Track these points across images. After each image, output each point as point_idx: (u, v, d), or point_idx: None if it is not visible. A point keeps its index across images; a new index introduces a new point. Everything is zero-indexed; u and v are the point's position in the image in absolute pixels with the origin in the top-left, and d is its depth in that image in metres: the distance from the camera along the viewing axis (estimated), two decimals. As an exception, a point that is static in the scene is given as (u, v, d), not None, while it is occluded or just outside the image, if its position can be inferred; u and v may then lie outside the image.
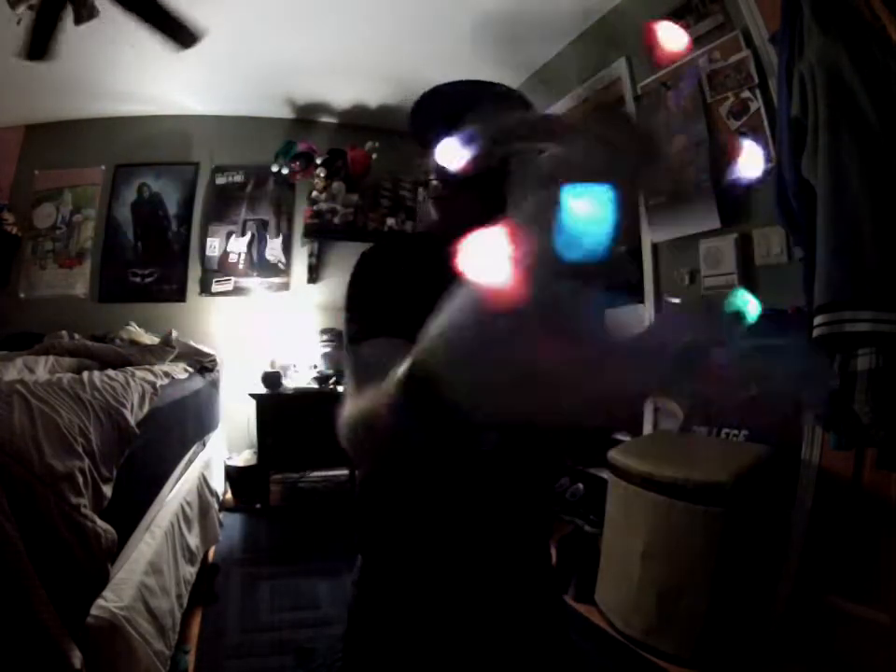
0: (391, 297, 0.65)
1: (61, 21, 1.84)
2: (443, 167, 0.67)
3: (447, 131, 0.68)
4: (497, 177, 0.66)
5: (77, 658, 0.92)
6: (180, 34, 1.98)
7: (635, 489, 1.77)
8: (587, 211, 0.36)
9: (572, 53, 2.85)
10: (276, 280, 3.71)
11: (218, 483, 2.81)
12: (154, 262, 3.57)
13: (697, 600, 1.59)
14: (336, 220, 3.43)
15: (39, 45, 1.90)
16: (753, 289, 2.03)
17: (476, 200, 0.65)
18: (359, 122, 3.78)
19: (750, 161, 0.53)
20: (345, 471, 3.19)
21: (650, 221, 2.32)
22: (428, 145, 0.70)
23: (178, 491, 1.97)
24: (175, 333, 2.99)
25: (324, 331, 3.54)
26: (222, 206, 3.68)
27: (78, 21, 1.84)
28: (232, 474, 3.17)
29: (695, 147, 2.07)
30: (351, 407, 0.55)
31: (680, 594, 1.62)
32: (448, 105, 0.69)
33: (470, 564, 0.71)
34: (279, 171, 3.54)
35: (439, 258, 0.66)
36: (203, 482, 2.35)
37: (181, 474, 2.09)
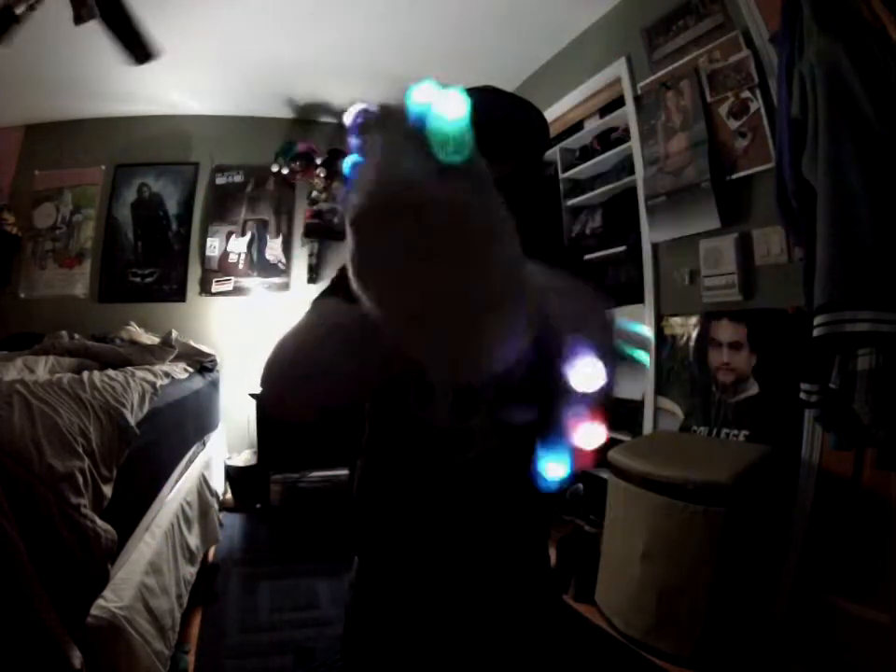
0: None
1: (28, 14, 1.81)
2: None
3: None
4: (503, 179, 0.66)
5: (76, 658, 0.93)
6: (137, 47, 1.97)
7: (635, 489, 1.77)
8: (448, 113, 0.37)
9: (572, 53, 2.86)
10: (276, 280, 3.71)
11: (218, 483, 2.82)
12: (154, 262, 3.57)
13: (697, 600, 1.59)
14: (336, 220, 3.43)
15: None
16: (753, 289, 2.05)
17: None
18: (359, 122, 3.78)
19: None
20: (345, 471, 3.19)
21: (650, 221, 2.32)
22: None
23: (178, 491, 1.97)
24: (175, 333, 2.99)
25: (324, 331, 3.54)
26: (222, 206, 3.67)
27: (78, 21, 1.84)
28: (232, 474, 3.17)
29: (695, 147, 2.07)
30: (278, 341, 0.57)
31: (680, 594, 1.62)
32: None
33: (467, 564, 0.71)
34: (279, 171, 3.54)
35: None
36: (203, 482, 2.35)
37: (181, 474, 2.10)
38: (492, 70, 2.99)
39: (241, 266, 3.67)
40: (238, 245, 3.67)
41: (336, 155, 3.50)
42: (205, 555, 2.22)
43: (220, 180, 3.68)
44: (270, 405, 0.58)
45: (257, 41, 2.75)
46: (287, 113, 3.72)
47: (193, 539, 1.94)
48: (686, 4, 2.11)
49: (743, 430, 1.93)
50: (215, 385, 3.08)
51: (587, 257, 2.78)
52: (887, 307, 1.27)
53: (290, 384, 0.55)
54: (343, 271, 0.73)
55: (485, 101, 0.70)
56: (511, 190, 0.67)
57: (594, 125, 2.84)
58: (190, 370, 2.66)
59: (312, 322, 0.59)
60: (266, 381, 0.57)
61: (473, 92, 0.71)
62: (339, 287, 0.67)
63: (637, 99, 2.40)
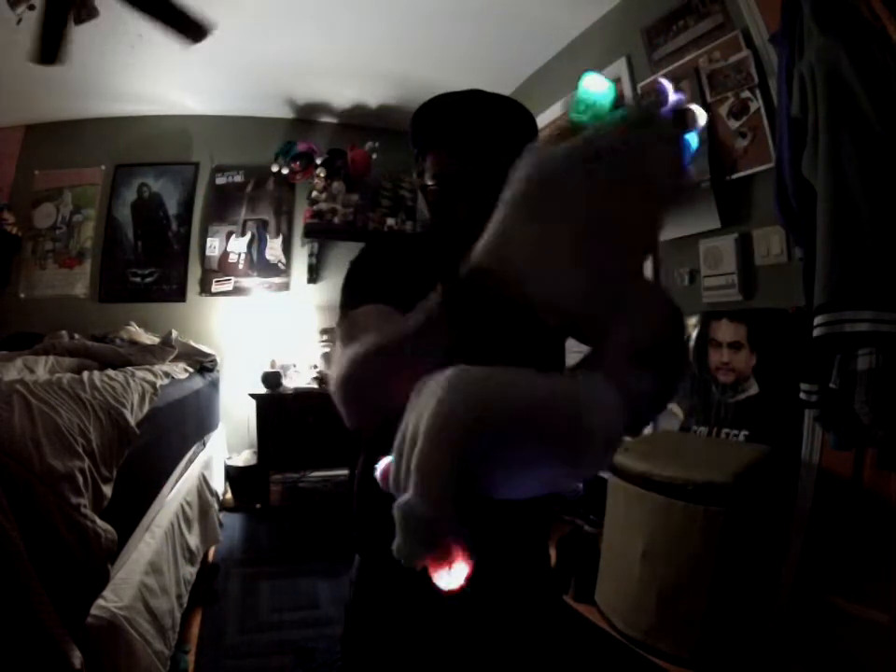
0: (384, 287, 0.65)
1: (69, 23, 1.83)
2: (440, 171, 0.68)
3: (446, 138, 0.68)
4: (494, 181, 0.66)
5: (76, 658, 0.92)
6: (189, 28, 1.97)
7: (635, 489, 1.77)
8: None
9: (572, 53, 2.86)
10: (276, 280, 3.71)
11: (218, 483, 2.82)
12: (154, 262, 3.57)
13: (697, 600, 1.59)
14: (336, 220, 3.43)
15: (51, 48, 1.89)
16: (753, 289, 2.04)
17: (471, 203, 0.65)
18: (359, 122, 3.78)
19: None
20: (345, 471, 3.19)
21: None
22: (427, 150, 0.70)
23: (178, 491, 1.97)
24: (175, 333, 2.99)
25: (324, 331, 3.54)
26: (222, 206, 3.67)
27: (78, 21, 1.84)
28: (232, 474, 3.17)
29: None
30: (339, 360, 0.56)
31: (680, 594, 1.62)
32: (448, 114, 0.69)
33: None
34: (279, 171, 3.54)
35: (430, 257, 0.67)
36: (203, 481, 2.35)
37: (181, 474, 2.10)
38: (492, 70, 2.99)
39: (241, 266, 3.67)
40: (238, 245, 3.67)
41: (336, 155, 3.50)
42: (205, 555, 2.22)
43: (220, 180, 3.68)
44: (350, 422, 0.57)
45: (256, 41, 2.75)
46: (287, 113, 3.72)
47: (193, 539, 1.94)
48: (686, 4, 2.11)
49: (743, 430, 1.92)
50: (215, 385, 3.08)
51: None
52: (887, 307, 1.27)
53: (359, 397, 0.55)
54: (364, 275, 0.72)
55: (472, 102, 0.70)
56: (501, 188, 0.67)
57: (594, 125, 2.84)
58: (190, 370, 2.66)
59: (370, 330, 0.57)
60: (339, 400, 0.56)
61: (459, 96, 0.72)
62: (371, 294, 0.66)
63: (637, 99, 2.40)
